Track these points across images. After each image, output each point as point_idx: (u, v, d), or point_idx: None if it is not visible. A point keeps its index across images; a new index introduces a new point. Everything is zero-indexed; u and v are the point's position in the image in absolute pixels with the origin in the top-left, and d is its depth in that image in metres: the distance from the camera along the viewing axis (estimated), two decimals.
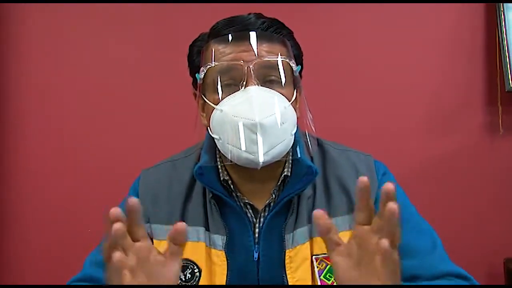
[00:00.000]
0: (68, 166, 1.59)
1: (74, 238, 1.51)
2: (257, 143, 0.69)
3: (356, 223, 0.55)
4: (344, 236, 0.58)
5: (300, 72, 0.82)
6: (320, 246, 0.76)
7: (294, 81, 0.78)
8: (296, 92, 0.78)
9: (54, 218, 1.57)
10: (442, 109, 1.57)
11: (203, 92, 0.78)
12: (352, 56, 1.59)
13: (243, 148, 0.69)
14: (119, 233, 0.51)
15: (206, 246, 0.78)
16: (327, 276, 0.75)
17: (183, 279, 0.77)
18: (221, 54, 0.75)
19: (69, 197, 1.56)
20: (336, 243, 0.56)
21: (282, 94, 0.74)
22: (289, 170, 0.80)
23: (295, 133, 0.75)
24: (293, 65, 0.77)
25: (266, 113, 0.69)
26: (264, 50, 0.74)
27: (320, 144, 0.87)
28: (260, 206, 0.80)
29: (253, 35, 0.74)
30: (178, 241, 0.57)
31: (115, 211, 0.52)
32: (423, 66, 1.58)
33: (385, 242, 0.50)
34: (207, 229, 0.79)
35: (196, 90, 0.81)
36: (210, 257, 0.77)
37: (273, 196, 0.80)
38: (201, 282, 0.76)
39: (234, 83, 0.73)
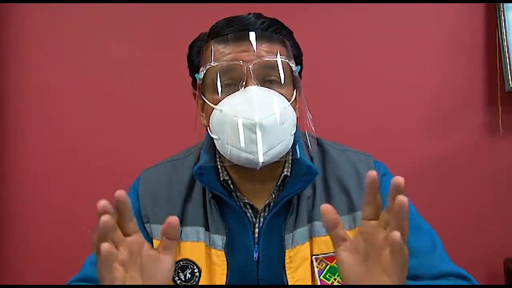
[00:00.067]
0: (68, 166, 1.59)
1: (74, 238, 1.51)
2: (256, 143, 0.68)
3: (363, 218, 0.55)
4: None
5: (299, 72, 0.81)
6: (319, 246, 0.76)
7: (294, 81, 0.78)
8: (296, 92, 0.78)
9: (54, 218, 1.57)
10: (442, 109, 1.57)
11: (203, 92, 0.78)
12: (352, 56, 1.59)
13: (243, 148, 0.69)
14: (107, 225, 0.51)
15: (206, 246, 0.78)
16: (327, 276, 0.75)
17: (183, 279, 0.77)
18: (221, 54, 0.75)
19: (69, 197, 1.56)
20: (342, 239, 0.56)
21: (282, 94, 0.74)
22: (289, 170, 0.80)
23: (294, 133, 0.75)
24: (293, 65, 0.77)
25: (265, 113, 0.69)
26: (264, 50, 0.74)
27: (320, 144, 0.87)
28: (260, 206, 0.80)
29: (252, 35, 0.74)
30: (171, 236, 0.57)
31: (103, 203, 0.51)
32: (423, 66, 1.58)
33: (397, 234, 0.49)
34: (207, 229, 0.79)
35: (195, 90, 0.81)
36: (210, 257, 0.77)
37: (273, 196, 0.80)
38: (201, 282, 0.76)
39: (234, 83, 0.73)
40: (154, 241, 0.80)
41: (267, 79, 0.74)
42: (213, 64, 0.75)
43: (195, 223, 0.79)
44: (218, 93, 0.74)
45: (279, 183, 0.80)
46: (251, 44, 0.74)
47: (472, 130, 1.57)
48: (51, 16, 1.61)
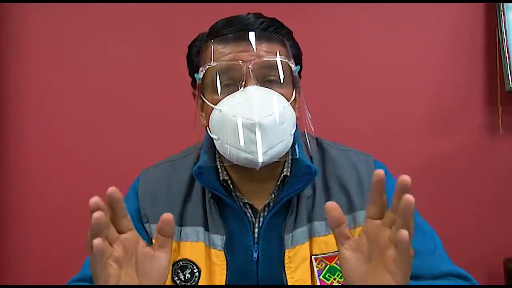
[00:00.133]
0: (68, 166, 1.59)
1: (74, 238, 1.51)
2: (256, 143, 0.68)
3: (367, 217, 0.55)
4: None
5: (299, 72, 0.81)
6: (319, 246, 0.76)
7: (293, 81, 0.78)
8: (295, 92, 0.78)
9: (54, 218, 1.57)
10: (442, 109, 1.57)
11: (202, 92, 0.78)
12: (352, 56, 1.59)
13: (242, 148, 0.69)
14: (99, 221, 0.51)
15: (206, 246, 0.78)
16: (327, 276, 0.75)
17: (183, 279, 0.77)
18: (220, 54, 0.75)
19: (69, 197, 1.56)
20: (346, 237, 0.56)
21: (281, 94, 0.74)
22: (289, 170, 0.80)
23: (294, 133, 0.75)
24: (292, 65, 0.77)
25: (265, 113, 0.69)
26: (263, 50, 0.74)
27: (319, 144, 0.87)
28: (259, 206, 0.80)
29: (252, 35, 0.74)
30: (166, 233, 0.57)
31: (95, 199, 0.51)
32: (423, 66, 1.58)
33: (405, 233, 0.49)
34: (207, 229, 0.79)
35: (195, 90, 0.80)
36: (210, 257, 0.77)
37: (273, 196, 0.79)
38: (201, 282, 0.76)
39: (233, 83, 0.73)
40: (153, 241, 0.80)
41: (266, 79, 0.74)
42: (212, 64, 0.75)
43: (195, 223, 0.79)
44: (217, 93, 0.74)
45: (278, 183, 0.80)
46: (251, 44, 0.73)
47: (472, 130, 1.57)
48: (51, 16, 1.61)
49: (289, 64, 0.77)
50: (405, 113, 1.58)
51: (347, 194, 0.80)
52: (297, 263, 0.75)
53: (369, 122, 1.57)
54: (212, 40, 0.77)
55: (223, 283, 0.75)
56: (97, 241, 0.50)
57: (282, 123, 0.71)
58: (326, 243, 0.76)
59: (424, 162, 1.56)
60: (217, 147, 0.76)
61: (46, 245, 1.58)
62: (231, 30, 0.76)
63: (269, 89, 0.73)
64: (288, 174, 0.80)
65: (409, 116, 1.58)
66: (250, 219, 0.80)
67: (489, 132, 1.57)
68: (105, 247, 0.52)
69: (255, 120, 0.68)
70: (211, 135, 0.75)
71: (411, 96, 1.58)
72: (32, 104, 1.60)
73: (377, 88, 1.58)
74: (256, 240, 0.78)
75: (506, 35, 1.50)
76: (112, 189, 0.54)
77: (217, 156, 0.81)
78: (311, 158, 0.83)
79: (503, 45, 1.50)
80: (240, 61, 0.73)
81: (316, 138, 0.87)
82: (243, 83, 0.72)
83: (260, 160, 0.69)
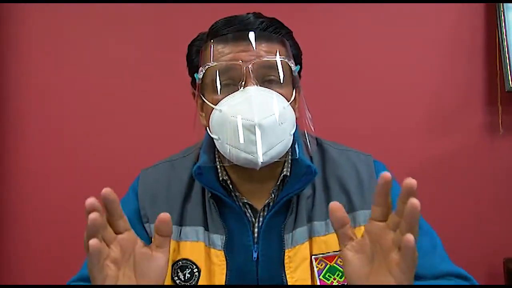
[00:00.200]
0: (68, 166, 1.59)
1: (74, 238, 1.49)
2: (256, 144, 0.68)
3: (371, 219, 0.55)
4: None
5: (299, 72, 0.81)
6: (319, 246, 0.76)
7: (293, 81, 0.78)
8: (295, 92, 0.78)
9: (54, 218, 1.57)
10: (442, 109, 1.57)
11: (202, 92, 0.78)
12: (352, 56, 1.59)
13: (242, 148, 0.69)
14: (95, 223, 0.51)
15: (205, 246, 0.78)
16: (327, 276, 0.75)
17: (182, 279, 0.77)
18: (220, 54, 0.75)
19: (69, 197, 1.56)
20: (349, 238, 0.56)
21: (281, 94, 0.74)
22: (289, 169, 0.80)
23: (294, 133, 0.75)
24: (292, 65, 0.77)
25: (265, 113, 0.69)
26: (263, 50, 0.74)
27: (319, 144, 0.87)
28: (259, 206, 0.80)
29: (252, 35, 0.74)
30: (163, 233, 0.57)
31: (90, 201, 0.51)
32: (423, 66, 1.58)
33: (411, 238, 0.49)
34: (206, 229, 0.79)
35: (195, 89, 0.80)
36: (209, 257, 0.77)
37: (273, 196, 0.79)
38: (200, 282, 0.76)
39: (233, 83, 0.73)
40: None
41: (266, 79, 0.74)
42: (212, 64, 0.75)
43: (195, 223, 0.79)
44: (217, 93, 0.74)
45: (278, 183, 0.80)
46: (251, 44, 0.73)
47: (472, 130, 1.57)
48: (51, 16, 1.61)
49: (289, 64, 0.76)
50: (405, 113, 1.58)
51: (347, 194, 0.80)
52: (297, 263, 0.75)
53: (369, 122, 1.57)
54: (212, 40, 0.77)
55: (223, 283, 0.75)
56: (93, 242, 0.50)
57: (282, 123, 0.71)
58: (326, 243, 0.76)
59: (424, 162, 1.56)
60: (217, 146, 0.75)
61: (46, 245, 1.58)
62: (231, 30, 0.76)
63: (269, 89, 0.73)
64: (288, 174, 0.80)
65: (409, 116, 1.58)
66: (250, 219, 0.80)
67: (489, 132, 1.57)
68: (102, 248, 0.52)
69: (255, 120, 0.68)
70: (211, 135, 0.75)
71: (411, 96, 1.58)
72: (32, 104, 1.60)
73: (377, 88, 1.58)
74: (256, 240, 0.78)
75: (506, 35, 1.50)
76: (106, 190, 0.54)
77: (216, 156, 0.81)
78: (311, 158, 0.83)
79: (503, 45, 1.50)
80: (240, 61, 0.73)
81: (316, 138, 0.87)
82: (243, 83, 0.72)
83: (260, 160, 0.69)
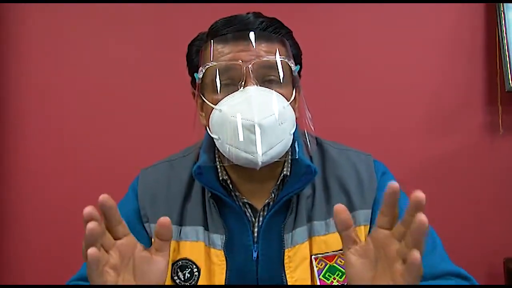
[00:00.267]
0: (68, 166, 1.59)
1: (74, 238, 1.50)
2: (256, 143, 0.68)
3: (377, 226, 0.54)
4: None
5: (299, 72, 0.81)
6: (319, 246, 0.76)
7: (293, 81, 0.78)
8: (295, 91, 0.78)
9: (54, 218, 1.57)
10: (442, 109, 1.57)
11: (202, 92, 0.78)
12: (352, 56, 1.59)
13: (242, 148, 0.69)
14: (93, 232, 0.50)
15: (205, 245, 0.78)
16: (327, 275, 0.75)
17: (182, 278, 0.77)
18: (220, 53, 0.75)
19: (69, 197, 1.56)
20: (353, 241, 0.55)
21: (281, 94, 0.74)
22: (288, 169, 0.80)
23: (294, 133, 0.75)
24: (292, 64, 0.77)
25: (265, 113, 0.69)
26: (263, 50, 0.74)
27: (319, 144, 0.87)
28: (259, 205, 0.80)
29: (251, 34, 0.74)
30: (163, 237, 0.57)
31: (88, 210, 0.51)
32: (423, 66, 1.58)
33: (417, 255, 0.48)
34: (206, 228, 0.79)
35: (195, 89, 0.80)
36: (209, 257, 0.77)
37: (272, 195, 0.79)
38: (200, 282, 0.76)
39: (233, 83, 0.73)
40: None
41: (266, 78, 0.74)
42: (212, 64, 0.75)
43: (194, 223, 0.79)
44: (217, 92, 0.74)
45: (278, 183, 0.80)
46: (250, 44, 0.73)
47: (472, 130, 1.57)
48: (51, 16, 1.61)
49: (289, 63, 0.76)
50: (405, 113, 1.58)
51: (346, 193, 0.80)
52: (297, 263, 0.75)
53: (369, 122, 1.57)
54: (211, 40, 0.77)
55: (223, 282, 0.75)
56: (91, 251, 0.50)
57: (281, 123, 0.71)
58: (325, 242, 0.76)
59: (424, 162, 1.56)
60: (217, 146, 0.75)
61: (46, 245, 1.58)
62: (230, 29, 0.75)
63: (269, 89, 0.73)
64: (288, 173, 0.80)
65: (409, 116, 1.58)
66: (250, 219, 0.80)
67: (489, 132, 1.56)
68: (100, 256, 0.52)
69: (255, 120, 0.68)
70: (211, 135, 0.75)
71: (411, 96, 1.58)
72: (32, 104, 1.60)
73: (377, 88, 1.58)
74: (255, 239, 0.78)
75: (506, 35, 1.50)
76: (103, 197, 0.53)
77: (216, 155, 0.81)
78: (310, 157, 0.83)
79: (503, 44, 1.50)
80: (240, 61, 0.73)
81: (316, 138, 0.87)
82: (243, 82, 0.72)
83: (260, 160, 0.69)
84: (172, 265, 0.78)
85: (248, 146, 0.69)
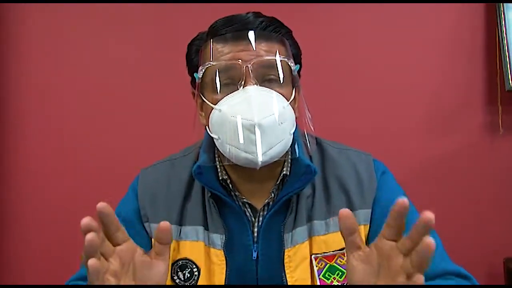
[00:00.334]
0: (68, 166, 1.59)
1: (74, 238, 1.49)
2: (255, 143, 0.68)
3: (382, 236, 0.54)
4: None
5: (299, 71, 0.81)
6: (319, 246, 0.76)
7: (293, 80, 0.78)
8: (295, 91, 0.78)
9: (54, 218, 1.57)
10: (442, 109, 1.57)
11: (202, 91, 0.78)
12: (352, 56, 1.59)
13: (242, 148, 0.69)
14: (92, 244, 0.50)
15: (205, 245, 0.78)
16: (326, 275, 0.75)
17: (182, 278, 0.77)
18: (220, 53, 0.75)
19: (69, 197, 1.56)
20: (357, 247, 0.55)
21: (281, 94, 0.74)
22: (288, 169, 0.80)
23: (294, 133, 0.75)
24: (292, 64, 0.77)
25: (264, 113, 0.69)
26: (263, 50, 0.74)
27: (319, 143, 0.87)
28: (259, 205, 0.80)
29: (251, 34, 0.74)
30: (163, 241, 0.57)
31: (86, 221, 0.50)
32: (423, 66, 1.58)
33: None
34: (206, 228, 0.79)
35: (194, 89, 0.80)
36: (209, 257, 0.77)
37: (272, 195, 0.79)
38: (200, 282, 0.76)
39: (233, 83, 0.73)
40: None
41: (266, 78, 0.74)
42: (212, 63, 0.75)
43: (194, 223, 0.79)
44: (217, 92, 0.74)
45: (278, 182, 0.80)
46: (250, 43, 0.73)
47: (472, 130, 1.57)
48: (51, 16, 1.61)
49: (289, 63, 0.76)
50: (405, 113, 1.58)
51: (346, 193, 0.80)
52: (297, 262, 0.75)
53: (369, 122, 1.57)
54: (211, 39, 0.77)
55: (223, 282, 0.75)
56: (92, 262, 0.50)
57: (281, 123, 0.71)
58: (325, 242, 0.76)
59: (424, 162, 1.56)
60: (217, 146, 0.75)
61: (46, 245, 1.57)
62: (230, 29, 0.75)
63: (269, 89, 0.73)
64: (288, 173, 0.80)
65: (409, 116, 1.58)
66: (250, 219, 0.80)
67: (489, 132, 1.56)
68: (101, 266, 0.51)
69: (255, 120, 0.68)
70: (211, 135, 0.75)
71: (411, 96, 1.58)
72: (32, 104, 1.60)
73: (377, 88, 1.58)
74: (255, 239, 0.78)
75: (506, 35, 1.50)
76: (101, 205, 0.53)
77: (216, 155, 0.81)
78: (310, 157, 0.83)
79: (503, 44, 1.50)
80: (240, 61, 0.73)
81: (316, 138, 0.87)
82: (243, 82, 0.72)
83: (260, 160, 0.69)
84: (172, 265, 0.78)
85: (248, 146, 0.69)
